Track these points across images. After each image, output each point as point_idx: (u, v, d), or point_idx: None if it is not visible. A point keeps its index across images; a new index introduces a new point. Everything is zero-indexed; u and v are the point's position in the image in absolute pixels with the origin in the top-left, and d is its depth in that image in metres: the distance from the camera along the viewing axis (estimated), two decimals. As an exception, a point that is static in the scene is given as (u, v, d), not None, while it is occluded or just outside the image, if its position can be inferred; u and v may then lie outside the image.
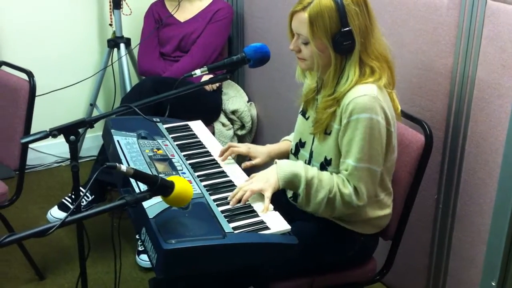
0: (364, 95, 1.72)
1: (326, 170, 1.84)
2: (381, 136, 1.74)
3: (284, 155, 2.07)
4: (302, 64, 1.84)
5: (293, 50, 1.83)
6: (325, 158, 1.84)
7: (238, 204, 1.71)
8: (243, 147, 2.00)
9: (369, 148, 1.73)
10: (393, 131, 1.81)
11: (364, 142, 1.72)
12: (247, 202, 1.72)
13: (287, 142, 2.09)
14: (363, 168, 1.74)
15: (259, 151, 2.02)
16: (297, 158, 1.97)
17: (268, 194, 1.72)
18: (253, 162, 1.98)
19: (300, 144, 1.96)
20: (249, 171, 1.93)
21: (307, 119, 1.95)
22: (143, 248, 2.71)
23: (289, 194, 2.00)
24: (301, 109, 2.00)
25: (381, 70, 1.77)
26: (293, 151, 2.00)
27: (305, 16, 1.72)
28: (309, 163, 1.90)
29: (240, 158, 2.04)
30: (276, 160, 1.83)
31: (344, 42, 1.71)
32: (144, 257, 2.71)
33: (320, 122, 1.82)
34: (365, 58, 1.76)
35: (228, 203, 1.70)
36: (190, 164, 1.92)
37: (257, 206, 1.71)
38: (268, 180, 1.76)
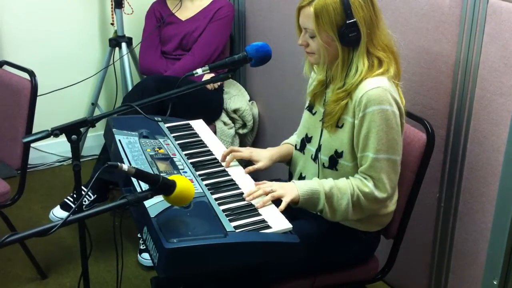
0: (377, 87, 1.74)
1: (337, 163, 1.85)
2: (397, 125, 1.77)
3: (286, 159, 2.07)
4: (311, 58, 1.86)
5: (301, 45, 1.85)
6: (336, 151, 1.85)
7: (240, 203, 1.71)
8: (245, 151, 2.00)
9: (387, 138, 1.75)
10: (404, 123, 1.83)
11: (382, 133, 1.74)
12: (247, 202, 1.72)
13: (288, 145, 2.10)
14: (383, 159, 1.76)
15: (262, 155, 2.01)
16: (303, 154, 1.97)
17: (287, 199, 1.73)
18: (256, 166, 1.97)
19: (306, 139, 1.97)
20: (252, 174, 1.93)
21: (314, 114, 1.95)
22: (144, 247, 2.72)
23: None
24: (307, 104, 2.00)
25: (388, 60, 1.80)
26: (298, 147, 2.00)
27: (311, 11, 1.75)
28: (315, 157, 1.91)
29: (242, 160, 2.03)
30: (294, 181, 1.84)
31: (350, 34, 1.74)
32: (145, 255, 2.71)
33: (332, 115, 1.83)
34: (372, 50, 1.79)
35: (229, 202, 1.70)
36: (191, 163, 1.92)
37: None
38: (289, 190, 1.77)
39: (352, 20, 1.72)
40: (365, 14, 1.74)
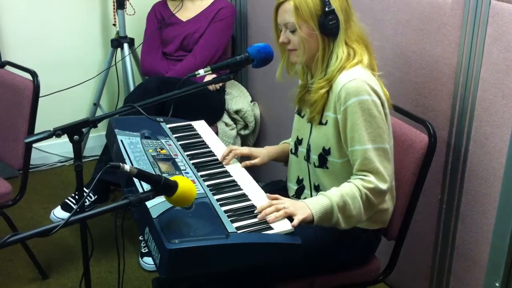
0: (354, 79, 1.76)
1: (326, 160, 1.86)
2: (380, 114, 1.77)
3: (283, 156, 2.09)
4: (293, 56, 1.88)
5: (283, 42, 1.88)
6: (323, 149, 1.86)
7: (241, 204, 1.71)
8: (245, 149, 2.03)
9: (372, 128, 1.76)
10: (388, 114, 1.83)
11: (366, 123, 1.75)
12: (250, 202, 1.72)
13: (286, 144, 2.12)
14: (372, 149, 1.76)
15: (260, 152, 2.06)
16: (297, 156, 1.98)
17: (299, 217, 1.66)
18: (253, 162, 2.01)
19: (298, 142, 1.98)
20: (252, 172, 1.93)
21: (303, 117, 1.97)
22: (146, 250, 2.71)
23: (291, 192, 2.02)
24: (296, 108, 2.02)
25: (361, 51, 1.83)
26: (293, 151, 2.02)
27: (290, 4, 1.80)
28: (308, 158, 1.92)
29: (242, 159, 2.04)
30: (302, 200, 1.79)
31: (329, 22, 1.78)
32: (147, 260, 2.70)
33: (316, 104, 1.85)
34: (348, 40, 1.83)
35: (230, 203, 1.70)
36: (193, 164, 1.92)
37: (276, 225, 1.64)
38: (301, 208, 1.70)
39: (331, 8, 1.77)
40: (341, 3, 1.80)
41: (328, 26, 1.78)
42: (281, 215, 1.65)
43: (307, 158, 1.93)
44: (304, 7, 1.78)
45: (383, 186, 1.77)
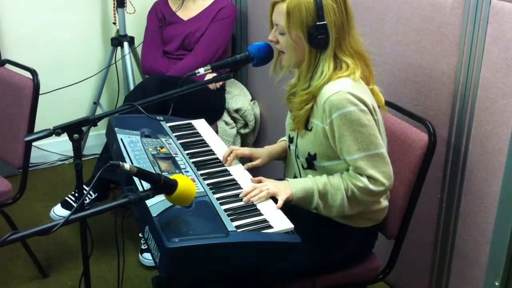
0: (338, 91, 1.73)
1: (313, 164, 1.87)
2: (370, 121, 1.76)
3: (282, 155, 2.09)
4: (282, 59, 1.87)
5: (271, 41, 1.87)
6: (309, 154, 1.86)
7: (241, 203, 1.71)
8: (245, 149, 2.03)
9: (363, 137, 1.75)
10: (377, 119, 1.82)
11: (356, 133, 1.74)
12: (250, 202, 1.72)
13: (284, 142, 2.11)
14: (365, 157, 1.76)
15: (261, 152, 2.06)
16: (291, 153, 1.99)
17: (283, 197, 1.73)
18: (255, 163, 2.01)
19: (290, 140, 1.99)
20: (252, 172, 1.94)
21: None
22: (146, 247, 2.72)
23: None
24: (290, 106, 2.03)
25: (354, 66, 1.80)
26: (288, 147, 2.03)
27: (284, 7, 1.77)
28: (297, 158, 1.93)
29: (242, 159, 2.04)
30: (287, 179, 1.83)
31: (318, 36, 1.75)
32: (147, 255, 2.71)
33: (299, 118, 1.85)
34: (340, 54, 1.80)
35: (230, 202, 1.71)
36: (193, 162, 1.92)
37: (262, 206, 1.71)
38: (283, 188, 1.78)
39: (323, 23, 1.73)
40: (337, 18, 1.75)
41: (316, 39, 1.75)
42: (264, 195, 1.73)
43: (297, 158, 1.94)
44: (296, 14, 1.74)
45: (375, 188, 1.77)
